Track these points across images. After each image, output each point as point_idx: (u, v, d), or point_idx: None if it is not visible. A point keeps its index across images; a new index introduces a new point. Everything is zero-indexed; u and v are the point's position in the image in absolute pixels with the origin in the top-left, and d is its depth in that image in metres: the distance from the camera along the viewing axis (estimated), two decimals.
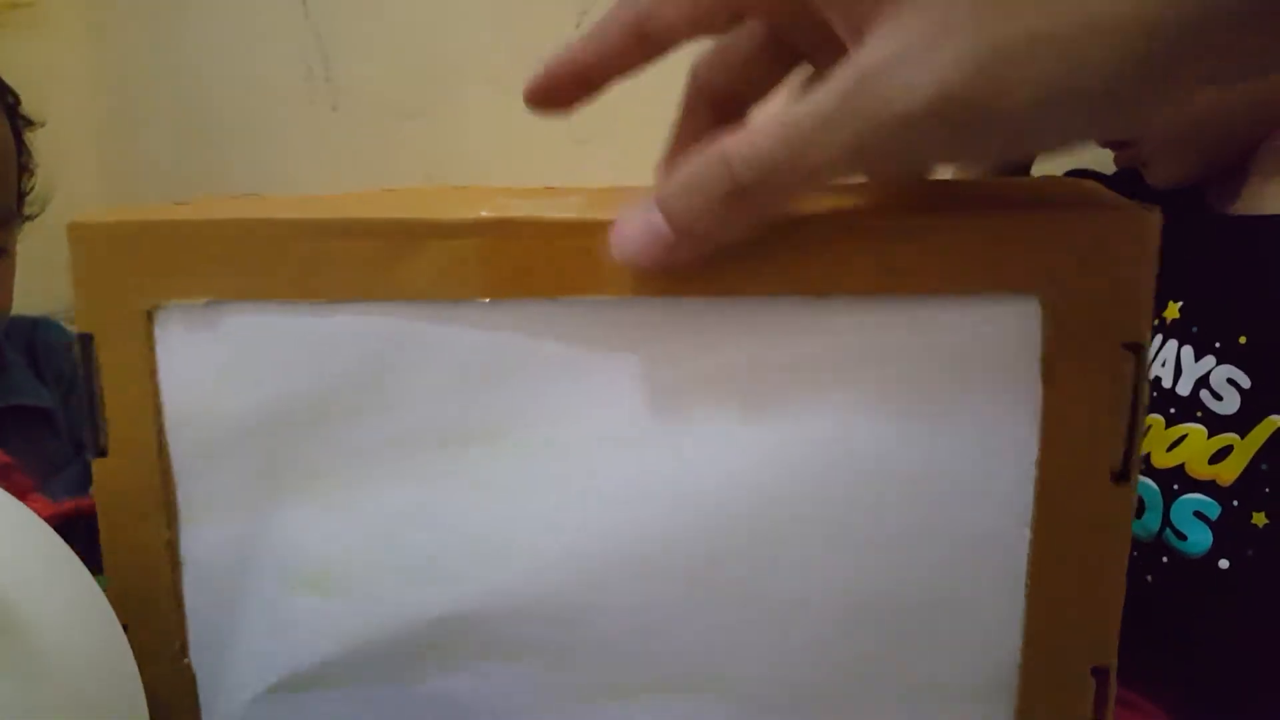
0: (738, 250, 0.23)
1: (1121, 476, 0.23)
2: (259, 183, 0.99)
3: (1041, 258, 0.22)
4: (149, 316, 0.26)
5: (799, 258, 0.23)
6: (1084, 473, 0.23)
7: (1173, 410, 0.60)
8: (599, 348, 0.25)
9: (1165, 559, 0.59)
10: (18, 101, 0.66)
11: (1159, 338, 0.62)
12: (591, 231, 0.24)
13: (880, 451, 0.24)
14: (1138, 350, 0.22)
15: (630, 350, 0.25)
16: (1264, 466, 0.55)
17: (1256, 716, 0.56)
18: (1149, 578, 0.60)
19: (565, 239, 0.24)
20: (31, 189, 0.66)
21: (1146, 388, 0.23)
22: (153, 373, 0.27)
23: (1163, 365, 0.61)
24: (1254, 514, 0.56)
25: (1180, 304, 0.62)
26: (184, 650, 0.28)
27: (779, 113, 0.21)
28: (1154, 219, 0.22)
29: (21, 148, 0.65)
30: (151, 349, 0.27)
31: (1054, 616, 0.24)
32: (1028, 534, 0.24)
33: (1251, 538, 0.56)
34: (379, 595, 0.27)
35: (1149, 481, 0.60)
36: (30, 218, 0.67)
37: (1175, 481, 0.59)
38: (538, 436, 0.26)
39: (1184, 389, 0.59)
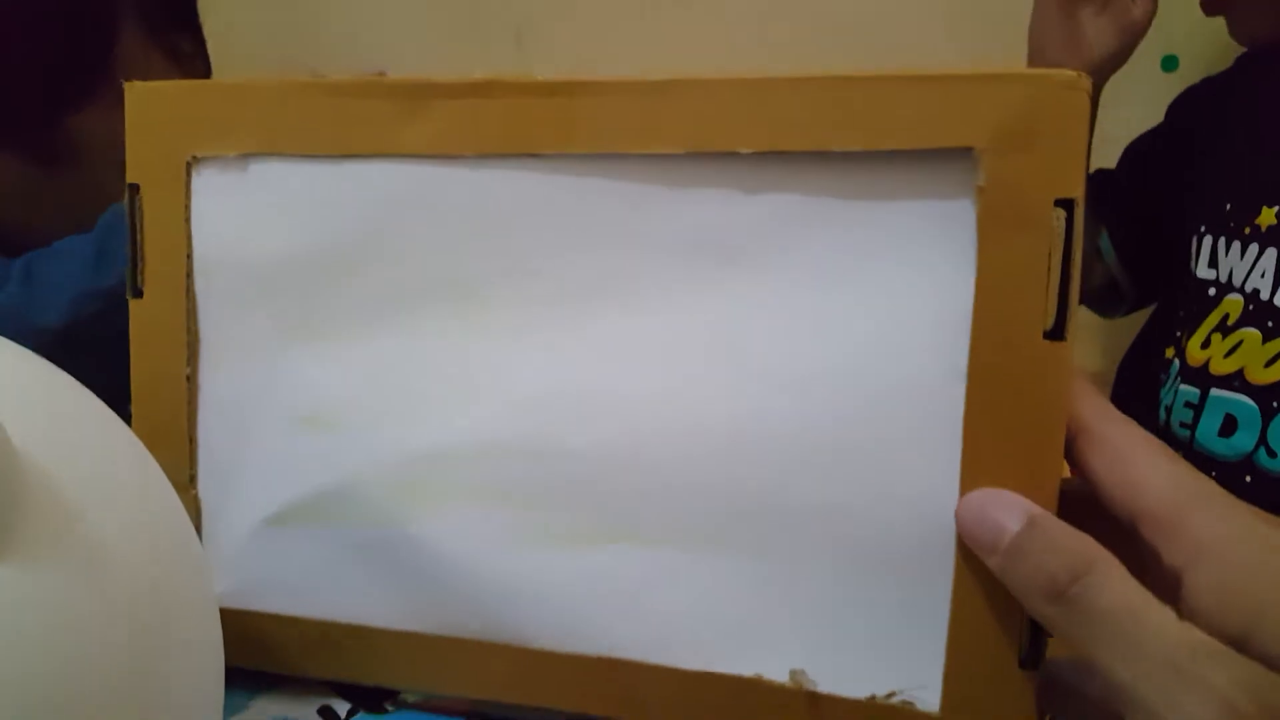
0: (704, 104, 0.25)
1: (1054, 334, 0.24)
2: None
3: (979, 116, 0.24)
4: (188, 167, 0.30)
5: (760, 113, 0.25)
6: (1017, 328, 0.24)
7: (1271, 324, 0.57)
8: (579, 204, 0.27)
9: (1249, 478, 0.56)
10: None
11: (1254, 246, 0.58)
12: (571, 90, 0.27)
13: (826, 302, 0.26)
14: (1070, 207, 0.24)
15: (607, 207, 0.27)
16: None
17: None
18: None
19: (547, 96, 0.27)
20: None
21: (1080, 245, 0.24)
22: (187, 220, 0.30)
23: (1261, 276, 0.57)
24: None
25: (1278, 209, 0.58)
26: (193, 481, 0.31)
27: None
28: (1083, 83, 0.23)
29: None
30: (188, 198, 0.30)
31: (989, 472, 0.25)
32: (961, 387, 0.25)
33: None
34: (371, 434, 0.29)
35: (1244, 398, 0.57)
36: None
37: (1276, 398, 0.56)
38: (523, 289, 0.28)
39: None
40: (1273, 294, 0.56)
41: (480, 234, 0.28)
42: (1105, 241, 0.71)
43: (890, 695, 0.26)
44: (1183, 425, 0.59)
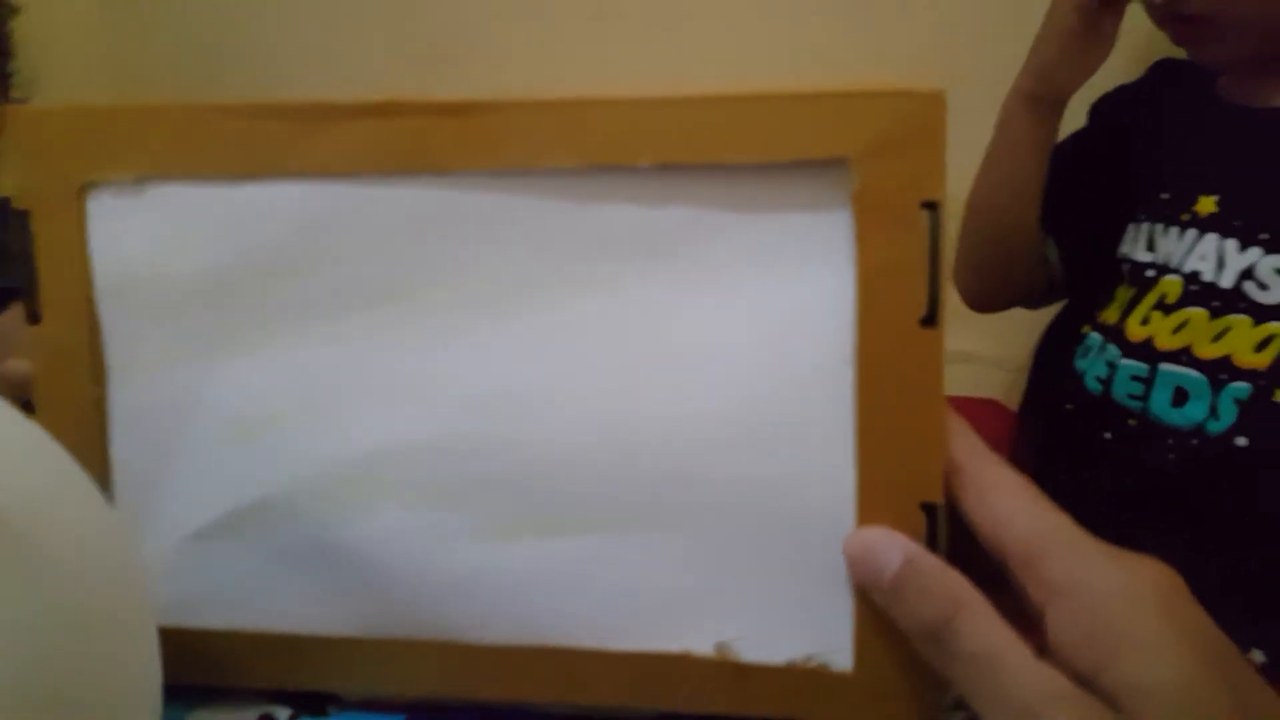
0: (600, 122, 0.27)
1: (928, 321, 0.27)
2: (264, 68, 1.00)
3: (851, 129, 0.26)
4: (81, 192, 0.30)
5: (654, 130, 0.27)
6: (896, 317, 0.27)
7: (1216, 303, 0.61)
8: (490, 216, 0.29)
9: (1196, 441, 0.61)
10: None
11: (1193, 232, 0.63)
12: (470, 110, 0.28)
13: (727, 299, 0.28)
14: (933, 207, 0.26)
15: (516, 217, 0.29)
16: None
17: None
18: (1171, 457, 0.61)
19: (448, 115, 0.28)
20: (13, 73, 0.68)
21: (943, 240, 0.27)
22: (84, 244, 0.30)
23: (1202, 259, 0.62)
24: (1276, 393, 0.58)
25: (1217, 198, 0.63)
26: (110, 501, 0.31)
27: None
28: (940, 97, 0.26)
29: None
30: (83, 223, 0.30)
31: (881, 452, 0.28)
32: (850, 371, 0.27)
33: (1272, 416, 0.58)
34: (298, 442, 0.30)
35: (1193, 372, 0.61)
36: (19, 101, 0.69)
37: (1222, 371, 0.60)
38: (444, 294, 0.29)
39: (1227, 281, 0.61)
40: (1216, 276, 0.61)
41: (396, 244, 0.29)
42: (1051, 249, 0.76)
43: (808, 659, 0.28)
44: (1132, 397, 0.64)
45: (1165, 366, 0.62)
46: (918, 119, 0.26)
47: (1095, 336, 0.68)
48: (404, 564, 0.30)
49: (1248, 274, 0.60)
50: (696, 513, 0.29)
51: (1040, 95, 0.69)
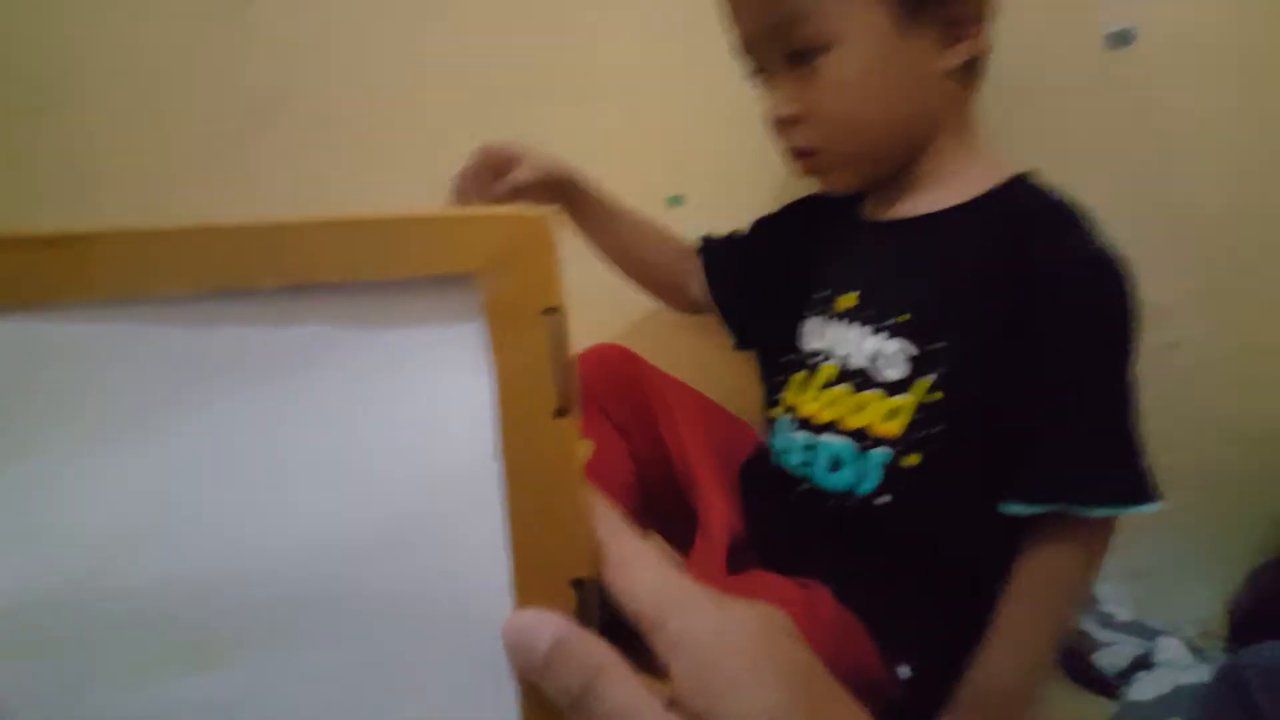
0: (230, 245, 0.28)
1: (560, 412, 0.30)
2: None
3: (474, 247, 0.30)
4: None
5: (278, 253, 0.29)
6: (532, 412, 0.30)
7: (858, 381, 0.71)
8: (109, 348, 0.29)
9: (848, 504, 0.69)
10: None
11: (843, 323, 0.74)
12: (76, 241, 0.28)
13: (366, 412, 0.30)
14: (554, 312, 0.30)
15: (138, 347, 0.29)
16: (918, 417, 0.66)
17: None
18: (834, 514, 0.69)
19: (55, 248, 0.28)
20: None
21: (568, 341, 0.30)
22: None
23: (847, 344, 0.73)
24: (906, 457, 0.67)
25: (857, 293, 0.74)
26: None
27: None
28: (547, 218, 0.30)
29: None
30: None
31: (531, 537, 0.30)
32: (497, 465, 0.30)
33: (905, 477, 0.67)
34: None
35: (842, 440, 0.70)
36: None
37: (864, 439, 0.69)
38: (61, 431, 0.28)
39: (864, 363, 0.71)
40: (857, 359, 0.72)
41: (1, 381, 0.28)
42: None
43: None
44: (803, 465, 0.73)
45: (823, 437, 0.72)
46: (531, 237, 0.30)
47: (783, 417, 0.77)
48: None
49: (876, 356, 0.71)
50: (352, 626, 0.29)
51: None
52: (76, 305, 0.28)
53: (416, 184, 0.84)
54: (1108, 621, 0.86)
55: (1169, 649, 0.81)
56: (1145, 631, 0.85)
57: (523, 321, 0.30)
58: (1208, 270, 0.88)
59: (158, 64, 1.05)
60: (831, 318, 0.76)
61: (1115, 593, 0.89)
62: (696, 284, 0.91)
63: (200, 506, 0.29)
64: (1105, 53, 0.86)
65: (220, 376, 0.29)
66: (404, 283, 0.29)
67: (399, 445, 0.30)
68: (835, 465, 0.71)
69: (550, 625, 0.28)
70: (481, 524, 0.30)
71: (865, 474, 0.69)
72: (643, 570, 0.29)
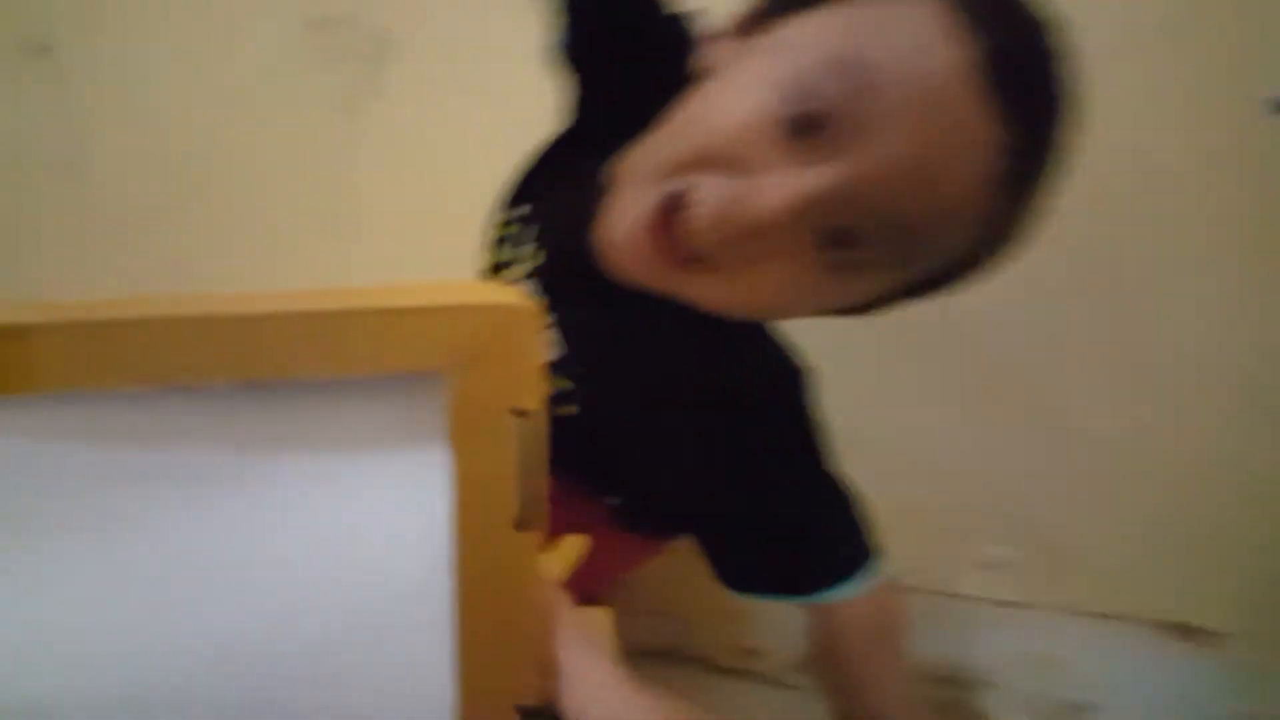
0: (178, 339, 0.24)
1: (522, 524, 0.27)
2: None
3: (440, 341, 0.26)
4: None
5: (233, 347, 0.25)
6: (490, 523, 0.27)
7: None
8: (46, 448, 0.25)
9: None
10: None
11: None
12: (23, 334, 0.24)
13: (314, 518, 0.27)
14: (525, 415, 0.27)
15: (77, 446, 0.25)
16: None
17: None
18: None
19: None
20: None
21: (543, 447, 0.27)
22: None
23: None
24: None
25: None
26: None
27: None
28: (529, 309, 0.27)
29: None
30: None
31: (478, 659, 0.27)
32: (449, 580, 0.27)
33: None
34: None
35: None
36: None
37: None
38: None
39: None
40: None
41: None
42: None
43: None
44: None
45: None
46: (508, 331, 0.27)
47: None
48: None
49: None
50: None
51: None
52: (13, 400, 0.24)
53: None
54: None
55: None
56: None
57: (488, 423, 0.27)
58: None
59: None
60: None
61: None
62: None
63: (140, 613, 0.26)
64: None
65: (161, 479, 0.26)
66: (366, 381, 0.26)
67: (349, 555, 0.27)
68: None
69: None
70: (431, 641, 0.27)
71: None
72: (599, 689, 0.28)
